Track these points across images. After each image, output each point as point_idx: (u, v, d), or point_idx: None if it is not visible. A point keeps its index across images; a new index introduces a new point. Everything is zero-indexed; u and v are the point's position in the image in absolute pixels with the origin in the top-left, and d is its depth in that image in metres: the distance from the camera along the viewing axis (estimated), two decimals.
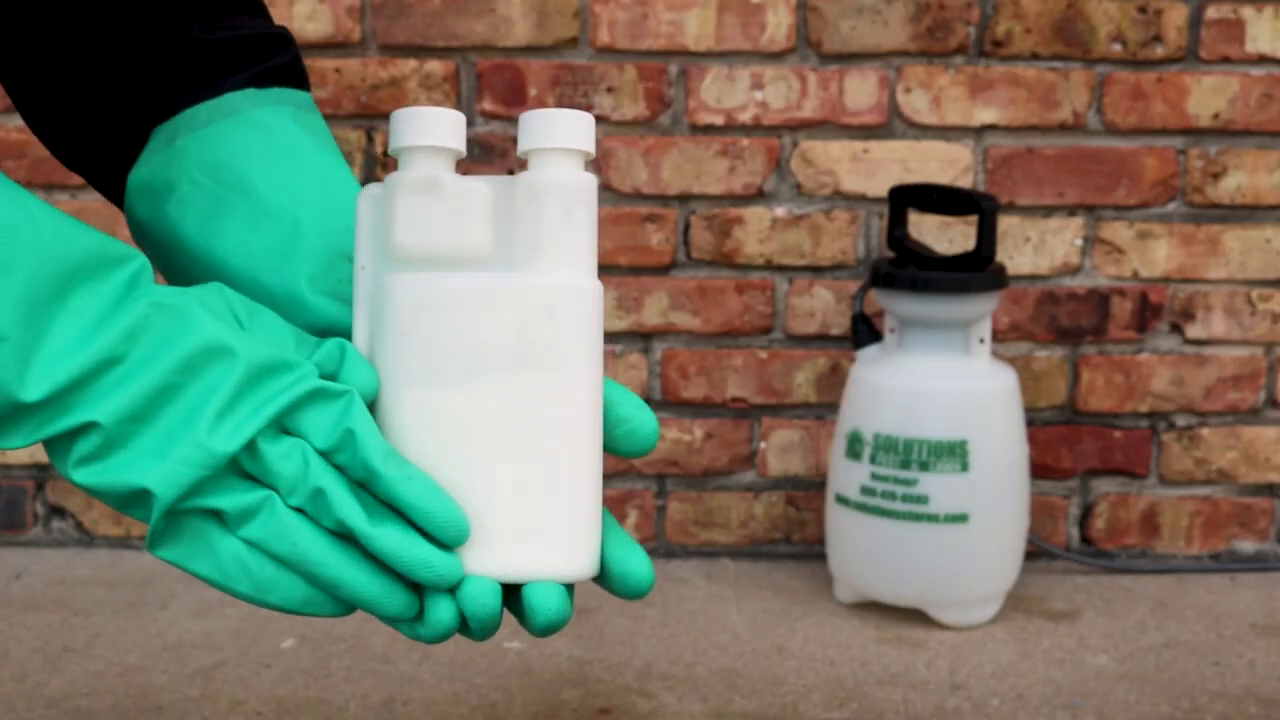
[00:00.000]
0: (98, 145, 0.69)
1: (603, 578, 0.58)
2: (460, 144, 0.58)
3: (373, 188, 0.59)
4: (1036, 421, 1.55)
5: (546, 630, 0.56)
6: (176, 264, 0.65)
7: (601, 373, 0.57)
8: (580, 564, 0.56)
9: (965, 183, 1.53)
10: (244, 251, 0.63)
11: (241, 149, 0.65)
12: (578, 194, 0.57)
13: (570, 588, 0.57)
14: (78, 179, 1.51)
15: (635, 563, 0.58)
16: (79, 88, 0.68)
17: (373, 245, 0.58)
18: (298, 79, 0.70)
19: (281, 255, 0.62)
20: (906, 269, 1.38)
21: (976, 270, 1.37)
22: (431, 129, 0.57)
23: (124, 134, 0.68)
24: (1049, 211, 1.53)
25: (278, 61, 0.69)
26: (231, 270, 0.63)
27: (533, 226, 0.57)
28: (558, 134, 0.57)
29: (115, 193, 0.70)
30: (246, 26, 0.69)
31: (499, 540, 0.55)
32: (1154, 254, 1.54)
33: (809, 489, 1.57)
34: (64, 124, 0.69)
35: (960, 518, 1.36)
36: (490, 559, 0.55)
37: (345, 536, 0.55)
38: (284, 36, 0.70)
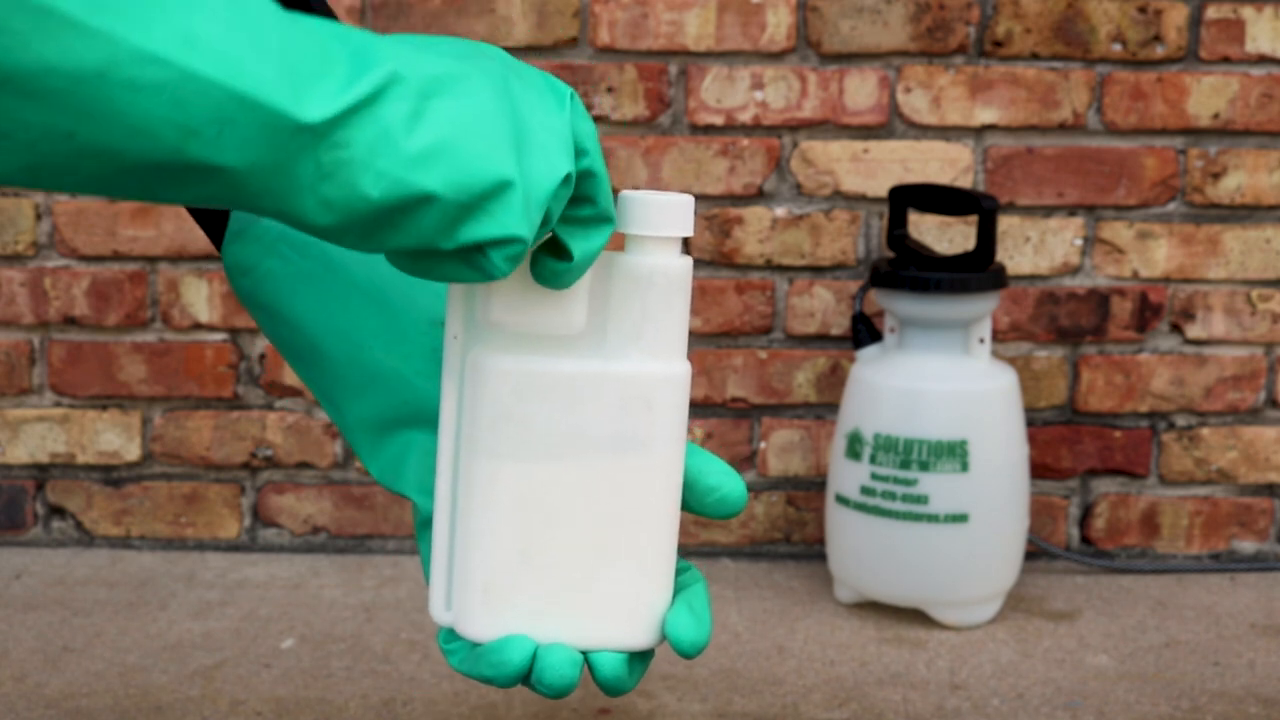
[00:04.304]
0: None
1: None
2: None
3: None
4: (1036, 421, 1.55)
5: (610, 693, 0.58)
6: (280, 336, 0.66)
7: (684, 449, 0.59)
8: (645, 636, 0.59)
9: (965, 183, 1.53)
10: (337, 328, 0.64)
11: None
12: (678, 282, 0.57)
13: (635, 656, 0.59)
14: None
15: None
16: None
17: (464, 315, 0.58)
18: None
19: (373, 331, 0.63)
20: (906, 269, 1.38)
21: (976, 270, 1.37)
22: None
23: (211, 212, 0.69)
24: (1049, 211, 1.53)
25: None
26: (328, 346, 0.64)
27: (633, 313, 0.57)
28: (663, 222, 0.57)
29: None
30: None
31: (575, 610, 0.58)
32: (1154, 254, 1.54)
33: (809, 489, 1.57)
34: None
35: (960, 518, 1.36)
36: (565, 628, 0.58)
37: None
38: None
